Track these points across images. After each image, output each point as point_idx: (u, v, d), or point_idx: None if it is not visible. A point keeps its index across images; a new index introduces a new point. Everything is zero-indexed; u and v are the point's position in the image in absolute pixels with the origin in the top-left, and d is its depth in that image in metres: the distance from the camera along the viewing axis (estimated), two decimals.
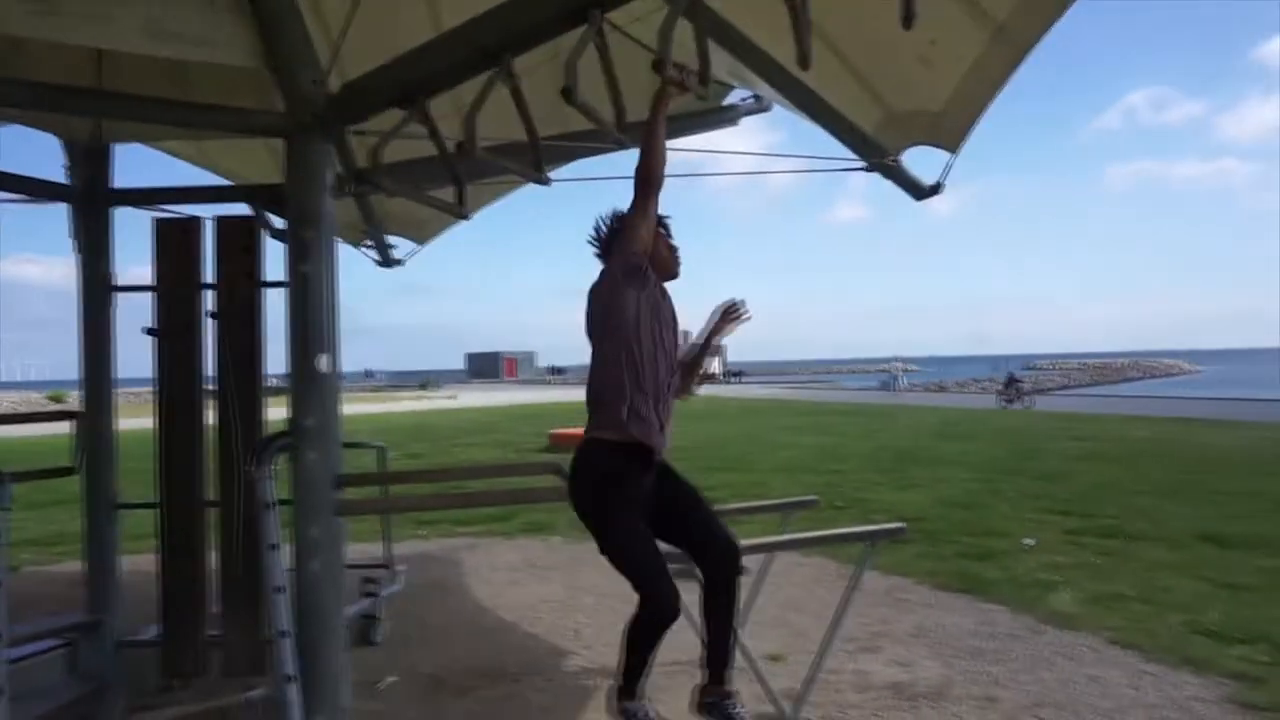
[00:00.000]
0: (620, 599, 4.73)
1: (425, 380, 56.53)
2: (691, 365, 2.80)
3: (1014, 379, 24.40)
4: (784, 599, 4.63)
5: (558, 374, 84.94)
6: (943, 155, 3.44)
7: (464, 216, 2.53)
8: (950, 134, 3.33)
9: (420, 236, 5.51)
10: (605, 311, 2.46)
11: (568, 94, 1.95)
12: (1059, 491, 8.25)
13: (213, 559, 3.47)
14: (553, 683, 3.58)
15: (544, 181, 2.39)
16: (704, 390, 36.86)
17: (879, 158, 3.47)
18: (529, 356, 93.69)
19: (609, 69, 2.19)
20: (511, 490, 3.28)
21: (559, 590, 5.00)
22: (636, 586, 2.34)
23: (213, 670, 3.41)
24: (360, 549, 5.59)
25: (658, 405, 2.45)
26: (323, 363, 2.44)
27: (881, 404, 25.80)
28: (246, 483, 2.94)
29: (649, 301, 2.46)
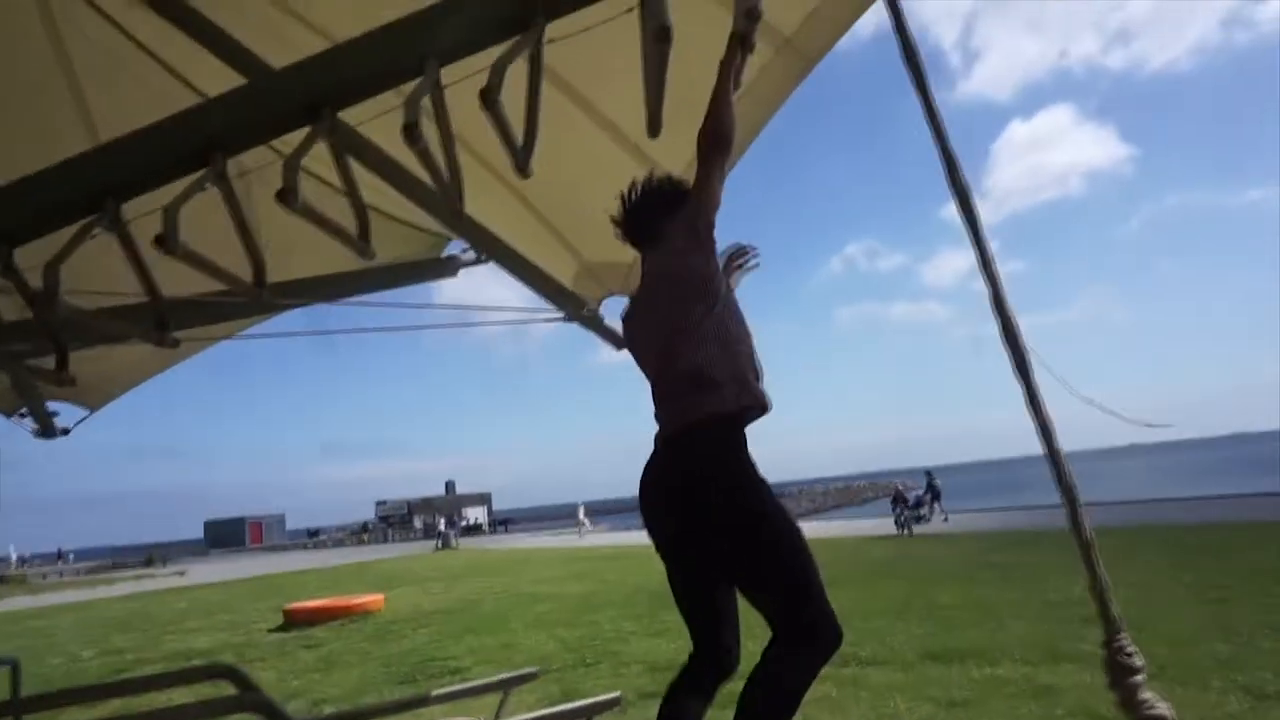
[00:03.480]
0: None
1: (150, 555, 49.60)
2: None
3: (918, 501, 24.13)
4: None
5: (313, 537, 78.84)
6: None
7: (67, 383, 2.11)
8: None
9: (91, 402, 4.79)
10: (704, 279, 2.16)
11: (160, 242, 1.69)
12: None
13: None
14: None
15: (169, 344, 2.06)
16: (467, 544, 35.34)
17: (577, 309, 3.44)
18: (278, 520, 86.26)
19: (238, 217, 1.95)
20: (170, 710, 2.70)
21: None
22: (810, 602, 1.96)
23: None
24: None
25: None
26: None
27: (640, 546, 25.87)
28: None
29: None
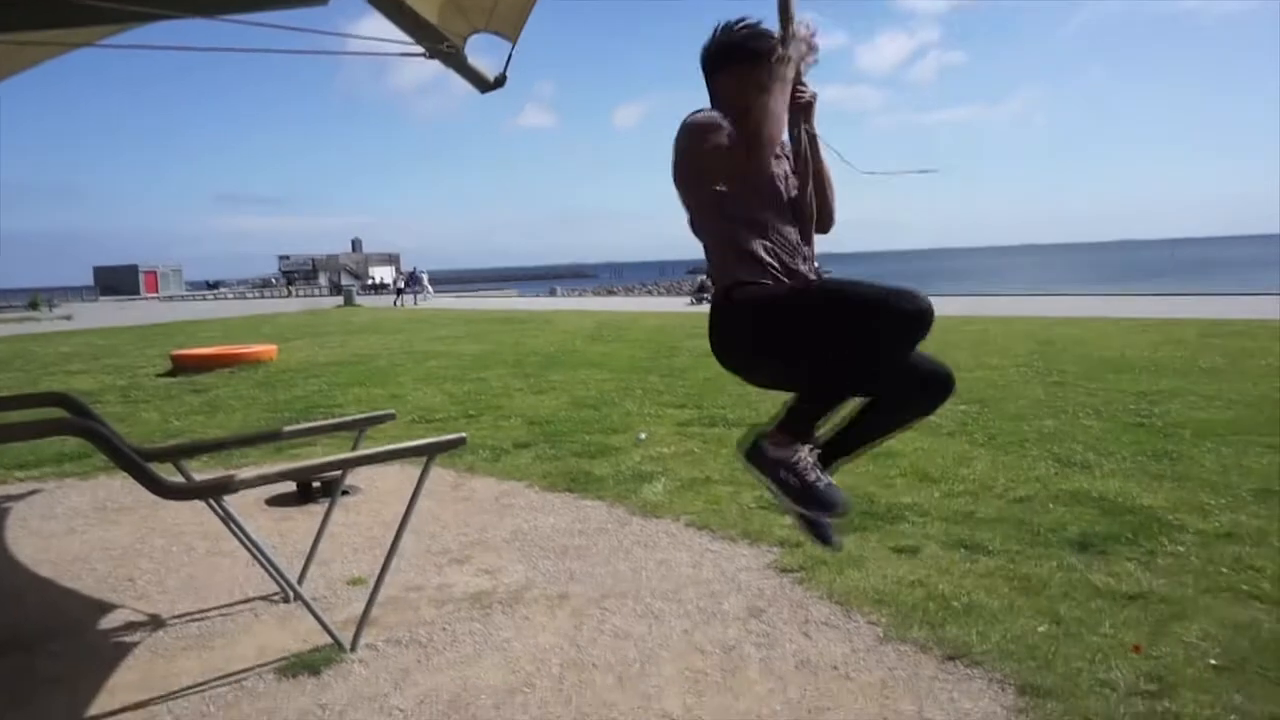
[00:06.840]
0: (198, 537, 4.26)
1: (34, 298, 46.83)
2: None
3: (703, 285, 26.33)
4: (387, 517, 4.42)
5: (213, 289, 77.10)
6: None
7: None
8: (508, 21, 3.15)
9: None
10: None
11: None
12: (681, 386, 8.85)
13: None
14: (77, 646, 3.08)
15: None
16: (369, 302, 34.94)
17: (438, 44, 3.20)
18: (174, 271, 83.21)
19: None
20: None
21: (125, 534, 4.38)
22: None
23: None
24: None
25: None
26: None
27: (545, 310, 26.17)
28: None
29: None
